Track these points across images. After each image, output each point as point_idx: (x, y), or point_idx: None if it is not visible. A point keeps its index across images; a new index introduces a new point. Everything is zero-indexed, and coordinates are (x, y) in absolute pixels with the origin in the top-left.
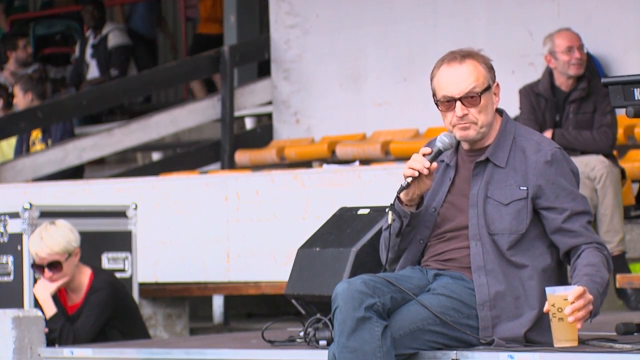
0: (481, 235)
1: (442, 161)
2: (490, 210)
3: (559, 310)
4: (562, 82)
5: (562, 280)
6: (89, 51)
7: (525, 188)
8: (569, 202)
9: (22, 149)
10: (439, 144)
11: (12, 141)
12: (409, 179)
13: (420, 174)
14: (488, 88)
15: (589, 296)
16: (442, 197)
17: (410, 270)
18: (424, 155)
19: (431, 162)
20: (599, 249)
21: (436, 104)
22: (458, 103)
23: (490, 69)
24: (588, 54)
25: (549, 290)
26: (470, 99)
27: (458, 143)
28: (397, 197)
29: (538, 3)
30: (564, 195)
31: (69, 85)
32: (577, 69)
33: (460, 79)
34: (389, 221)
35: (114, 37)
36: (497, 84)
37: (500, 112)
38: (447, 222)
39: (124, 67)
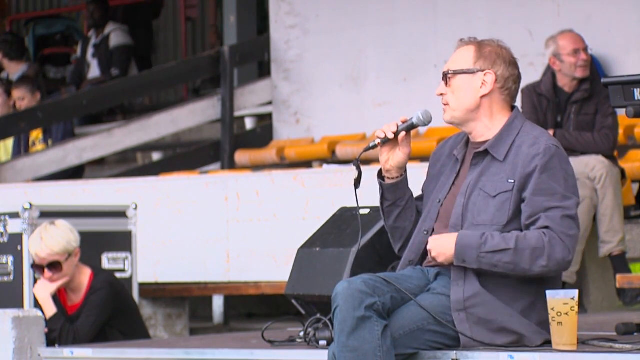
0: (462, 225)
1: (454, 155)
2: (478, 201)
3: (559, 314)
4: (565, 83)
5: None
6: (90, 51)
7: (512, 181)
8: (544, 199)
9: (21, 150)
10: (413, 118)
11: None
12: (377, 141)
13: (388, 139)
14: (467, 72)
15: (442, 241)
16: (447, 189)
17: (411, 270)
18: (401, 123)
19: (400, 132)
20: (545, 234)
21: None
22: (442, 82)
23: (484, 57)
24: None
25: (549, 294)
26: (444, 78)
27: (468, 138)
28: (379, 171)
29: (538, 3)
30: (541, 191)
31: (69, 85)
32: (583, 71)
33: (449, 60)
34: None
35: (116, 37)
36: (489, 74)
37: (512, 107)
38: (449, 216)
39: (125, 67)
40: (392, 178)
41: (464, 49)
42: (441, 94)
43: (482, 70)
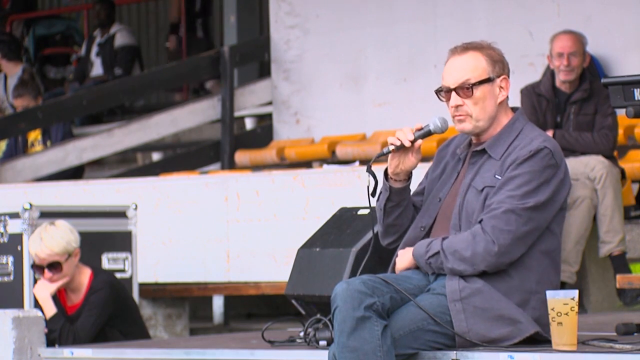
0: (461, 225)
1: (457, 154)
2: (471, 199)
3: (559, 314)
4: (561, 83)
5: (541, 270)
6: (94, 49)
7: (499, 177)
8: (505, 189)
9: (16, 150)
10: (430, 125)
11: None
12: (391, 147)
13: (404, 146)
14: (487, 80)
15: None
16: (448, 188)
17: (411, 271)
18: (416, 130)
19: (416, 139)
20: (472, 232)
21: (437, 94)
22: (453, 93)
23: (496, 62)
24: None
25: (549, 294)
26: (465, 90)
27: (471, 138)
28: (385, 170)
29: (538, 3)
30: (507, 182)
31: (73, 81)
32: (565, 75)
33: (456, 69)
34: (369, 185)
35: (121, 37)
36: (504, 78)
37: (514, 109)
38: (449, 216)
39: (128, 67)
40: (400, 181)
41: (469, 56)
42: (457, 106)
43: (499, 77)
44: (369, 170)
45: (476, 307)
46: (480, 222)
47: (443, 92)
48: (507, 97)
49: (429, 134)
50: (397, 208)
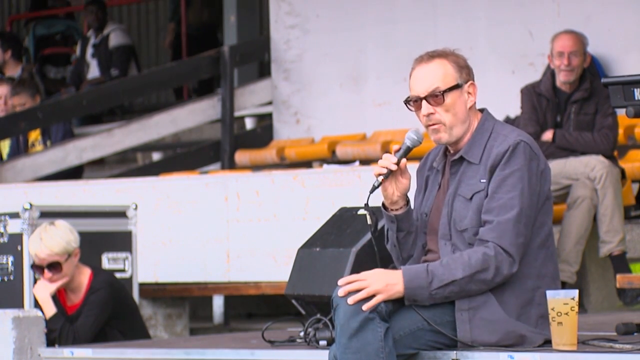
0: (451, 235)
1: (434, 167)
2: (458, 207)
3: (559, 314)
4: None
5: (539, 264)
6: (89, 51)
7: (484, 180)
8: (501, 195)
9: (18, 150)
10: (407, 142)
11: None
12: (380, 178)
13: (392, 172)
14: (456, 87)
15: (368, 279)
16: (431, 201)
17: None
18: (395, 152)
19: (400, 159)
20: (491, 251)
21: (406, 104)
22: (424, 102)
23: (462, 68)
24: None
25: (549, 294)
26: (434, 97)
27: (446, 148)
28: (383, 204)
29: (538, 3)
30: (500, 186)
31: (69, 85)
32: (565, 76)
33: (425, 78)
34: (368, 222)
35: (116, 37)
36: (472, 84)
37: (481, 110)
38: (437, 228)
39: (124, 67)
40: (401, 207)
41: (436, 64)
42: (429, 114)
43: (466, 82)
44: (367, 208)
45: (483, 319)
46: (494, 239)
47: (412, 102)
48: (475, 102)
49: (408, 150)
50: (409, 235)
